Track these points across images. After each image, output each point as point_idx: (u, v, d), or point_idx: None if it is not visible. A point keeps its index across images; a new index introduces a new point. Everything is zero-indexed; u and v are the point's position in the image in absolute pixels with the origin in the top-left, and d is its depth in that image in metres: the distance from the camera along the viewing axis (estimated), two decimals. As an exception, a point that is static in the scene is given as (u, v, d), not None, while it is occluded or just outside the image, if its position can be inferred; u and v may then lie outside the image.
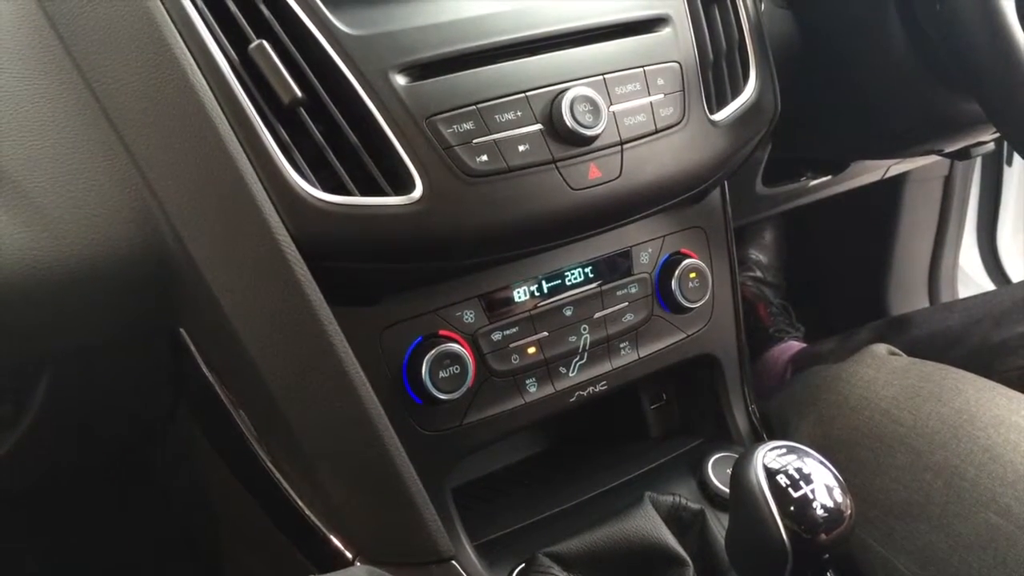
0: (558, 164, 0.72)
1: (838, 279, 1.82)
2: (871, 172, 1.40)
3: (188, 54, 0.64)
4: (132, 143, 0.67)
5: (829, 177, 1.28)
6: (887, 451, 0.86)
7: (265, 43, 0.65)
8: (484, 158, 0.69)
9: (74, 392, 0.76)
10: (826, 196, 1.37)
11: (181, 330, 0.75)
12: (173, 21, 0.64)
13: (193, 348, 0.75)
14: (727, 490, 0.86)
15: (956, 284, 1.81)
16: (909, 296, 1.76)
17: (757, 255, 1.69)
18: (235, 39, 0.66)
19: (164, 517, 1.04)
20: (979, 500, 0.78)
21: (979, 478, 0.79)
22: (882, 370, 0.94)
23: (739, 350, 0.95)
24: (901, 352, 1.02)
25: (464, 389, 0.76)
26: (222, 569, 1.01)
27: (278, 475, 0.76)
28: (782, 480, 0.63)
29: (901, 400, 0.89)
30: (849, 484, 0.65)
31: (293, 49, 0.66)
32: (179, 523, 1.04)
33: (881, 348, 1.02)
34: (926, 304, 1.78)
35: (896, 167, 1.44)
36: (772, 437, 0.84)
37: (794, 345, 1.51)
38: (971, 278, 1.84)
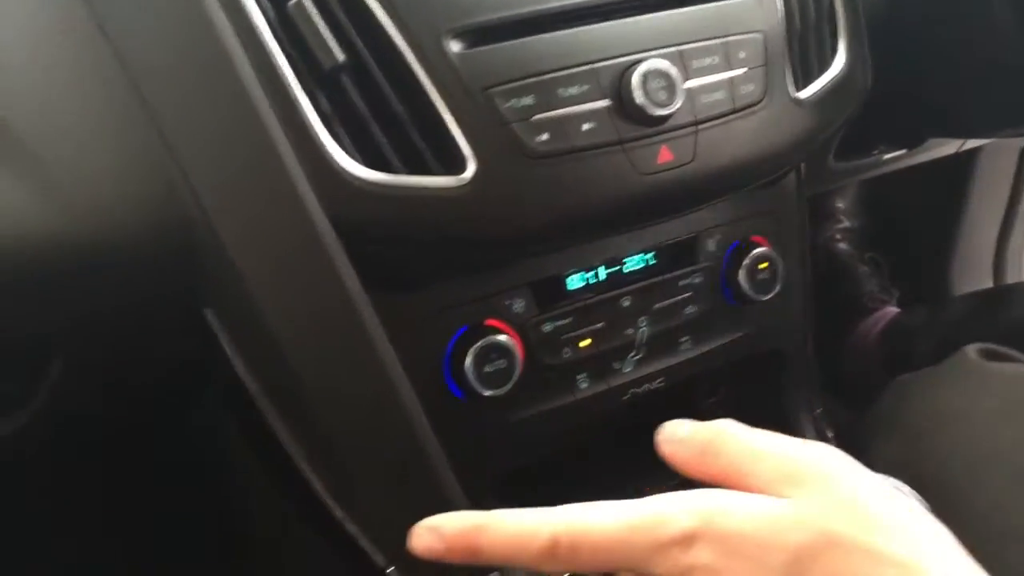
0: (625, 146, 0.65)
1: (900, 252, 1.73)
2: (946, 145, 1.31)
3: (221, 12, 0.58)
4: (158, 111, 0.60)
5: (904, 151, 1.19)
6: (984, 470, 0.77)
7: (305, 0, 0.58)
8: (545, 137, 0.62)
9: (90, 374, 0.71)
10: (897, 168, 1.29)
11: (207, 312, 0.69)
12: None
13: (219, 332, 0.70)
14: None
15: (1024, 265, 1.72)
16: (973, 274, 1.67)
17: (843, 204, 1.60)
18: (273, -5, 0.59)
19: (181, 508, 1.00)
20: None
21: None
22: (977, 378, 0.85)
23: (807, 347, 0.88)
24: (999, 348, 0.92)
25: (511, 384, 0.70)
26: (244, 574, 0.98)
27: (307, 472, 0.71)
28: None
29: (1002, 412, 0.80)
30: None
31: (336, 7, 0.59)
32: (192, 517, 1.01)
33: (974, 352, 0.91)
34: (990, 284, 1.69)
35: (974, 140, 1.35)
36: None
37: (888, 312, 1.42)
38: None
